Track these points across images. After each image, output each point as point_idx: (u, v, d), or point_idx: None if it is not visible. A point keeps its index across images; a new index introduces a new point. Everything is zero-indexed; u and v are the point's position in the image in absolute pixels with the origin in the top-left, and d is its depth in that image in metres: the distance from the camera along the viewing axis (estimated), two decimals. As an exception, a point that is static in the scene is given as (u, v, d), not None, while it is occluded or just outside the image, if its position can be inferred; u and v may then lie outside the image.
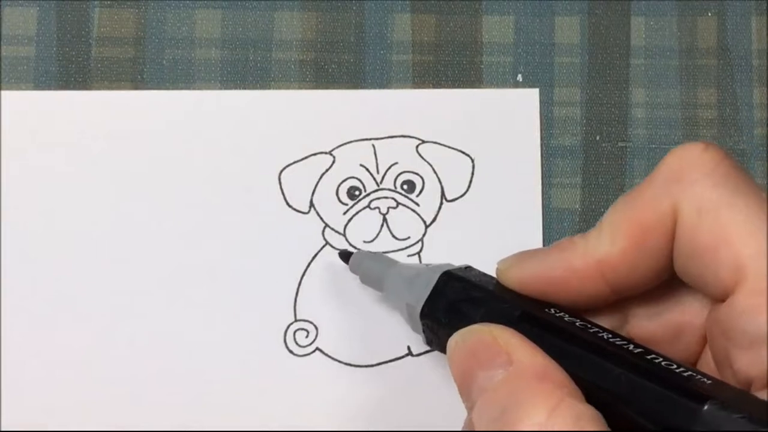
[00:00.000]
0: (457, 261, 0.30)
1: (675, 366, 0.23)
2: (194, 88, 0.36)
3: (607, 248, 0.25)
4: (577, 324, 0.25)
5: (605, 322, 0.26)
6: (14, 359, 0.34)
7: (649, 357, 0.23)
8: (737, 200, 0.23)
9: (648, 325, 0.27)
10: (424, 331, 0.29)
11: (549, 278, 0.26)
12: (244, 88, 0.36)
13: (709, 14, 0.37)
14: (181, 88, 0.36)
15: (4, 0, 0.36)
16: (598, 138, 0.37)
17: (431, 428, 0.34)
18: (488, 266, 0.28)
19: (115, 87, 0.36)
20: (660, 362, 0.23)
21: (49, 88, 0.36)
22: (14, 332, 0.34)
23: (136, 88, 0.36)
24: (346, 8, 0.37)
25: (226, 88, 0.36)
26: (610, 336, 0.24)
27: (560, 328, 0.25)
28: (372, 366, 0.34)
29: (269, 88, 0.36)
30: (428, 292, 0.28)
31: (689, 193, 0.24)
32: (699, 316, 0.26)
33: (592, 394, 0.22)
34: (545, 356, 0.23)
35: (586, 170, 0.36)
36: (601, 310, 0.27)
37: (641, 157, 0.37)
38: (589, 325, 0.25)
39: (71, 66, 0.36)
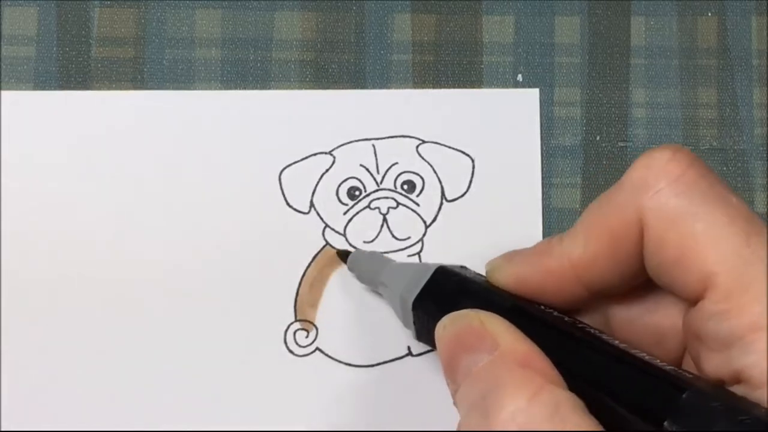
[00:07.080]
0: (458, 261, 0.30)
1: (657, 360, 0.23)
2: (194, 88, 0.36)
3: (580, 251, 0.25)
4: (566, 319, 0.26)
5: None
6: (14, 359, 0.34)
7: (632, 351, 0.24)
8: (701, 209, 0.23)
9: (630, 328, 0.27)
10: (414, 323, 0.29)
11: (530, 280, 0.26)
12: (244, 88, 0.36)
13: (709, 14, 0.37)
14: (181, 88, 0.36)
15: (4, 0, 0.36)
16: (598, 138, 0.37)
17: (431, 428, 0.34)
18: (488, 266, 0.28)
19: (115, 87, 0.36)
20: (643, 356, 0.24)
21: (49, 88, 0.36)
22: (14, 332, 0.34)
23: (136, 88, 0.36)
24: (346, 8, 0.37)
25: (226, 88, 0.36)
26: (597, 332, 0.25)
27: (548, 320, 0.26)
28: (372, 366, 0.34)
29: (269, 88, 0.36)
30: (422, 285, 0.29)
31: (654, 203, 0.24)
32: (679, 320, 0.26)
33: (577, 383, 0.23)
34: (530, 343, 0.24)
35: (586, 170, 0.36)
36: (583, 312, 0.27)
37: (641, 157, 0.37)
38: (577, 322, 0.26)
39: (71, 66, 0.36)
